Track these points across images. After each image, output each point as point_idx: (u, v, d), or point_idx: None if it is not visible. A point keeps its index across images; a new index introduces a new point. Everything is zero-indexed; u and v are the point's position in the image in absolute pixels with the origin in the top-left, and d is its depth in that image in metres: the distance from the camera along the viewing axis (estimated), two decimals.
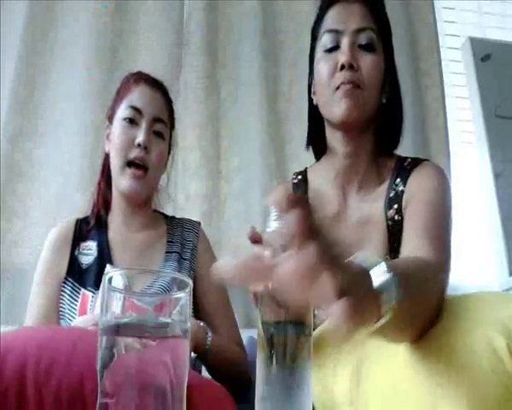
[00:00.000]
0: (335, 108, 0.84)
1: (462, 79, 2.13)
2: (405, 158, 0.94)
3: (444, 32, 2.10)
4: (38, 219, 1.46)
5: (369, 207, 0.87)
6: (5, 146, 1.48)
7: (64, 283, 0.99)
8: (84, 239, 1.04)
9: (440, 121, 1.87)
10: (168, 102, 1.10)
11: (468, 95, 2.10)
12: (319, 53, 0.89)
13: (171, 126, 1.12)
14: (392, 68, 0.92)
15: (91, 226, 1.05)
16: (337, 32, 0.86)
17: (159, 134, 1.03)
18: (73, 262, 1.01)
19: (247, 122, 1.70)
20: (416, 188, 0.83)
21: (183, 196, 1.57)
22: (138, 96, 1.03)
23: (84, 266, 1.00)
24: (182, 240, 1.09)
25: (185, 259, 1.06)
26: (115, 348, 0.41)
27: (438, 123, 1.87)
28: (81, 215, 1.12)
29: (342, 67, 0.83)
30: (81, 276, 0.98)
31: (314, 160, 1.06)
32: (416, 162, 0.91)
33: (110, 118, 1.07)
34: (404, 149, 1.78)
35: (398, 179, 0.87)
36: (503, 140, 2.00)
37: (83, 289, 0.95)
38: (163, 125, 1.05)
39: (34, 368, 0.56)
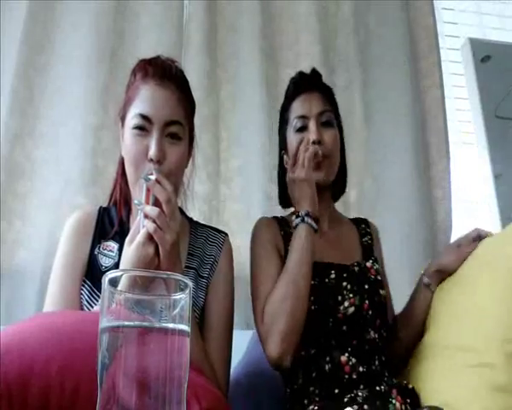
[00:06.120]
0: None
1: (461, 79, 2.13)
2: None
3: (443, 33, 2.10)
4: (38, 220, 1.46)
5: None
6: (5, 146, 1.48)
7: (82, 283, 0.95)
8: (106, 237, 0.99)
9: (440, 122, 1.87)
10: (183, 94, 0.97)
11: (467, 96, 2.11)
12: (291, 131, 1.14)
13: (191, 114, 1.03)
14: (342, 137, 1.20)
15: (115, 230, 1.00)
16: (304, 117, 1.12)
17: (174, 135, 0.93)
18: (92, 261, 0.96)
19: (246, 123, 1.69)
20: None
21: (183, 197, 1.57)
22: (146, 99, 0.93)
23: (103, 269, 0.95)
24: (202, 254, 1.03)
25: (203, 277, 1.01)
26: (115, 350, 0.41)
27: (437, 124, 1.87)
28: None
29: (313, 143, 1.08)
30: (99, 279, 0.92)
31: None
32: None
33: (122, 119, 0.98)
34: (404, 149, 1.80)
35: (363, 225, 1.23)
36: (503, 141, 2.00)
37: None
38: (178, 125, 0.94)
39: (58, 393, 0.55)
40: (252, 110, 1.69)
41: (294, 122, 1.13)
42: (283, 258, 1.05)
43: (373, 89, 1.86)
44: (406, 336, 1.09)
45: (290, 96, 1.18)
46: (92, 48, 1.61)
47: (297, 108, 1.14)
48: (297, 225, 1.02)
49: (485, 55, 2.08)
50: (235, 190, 1.64)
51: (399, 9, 1.95)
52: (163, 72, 0.95)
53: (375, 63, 1.90)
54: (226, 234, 1.09)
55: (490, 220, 1.93)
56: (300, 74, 1.21)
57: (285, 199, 1.19)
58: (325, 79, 1.77)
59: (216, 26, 1.78)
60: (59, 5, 1.67)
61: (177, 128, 0.94)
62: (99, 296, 0.92)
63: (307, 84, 1.18)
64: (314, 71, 1.22)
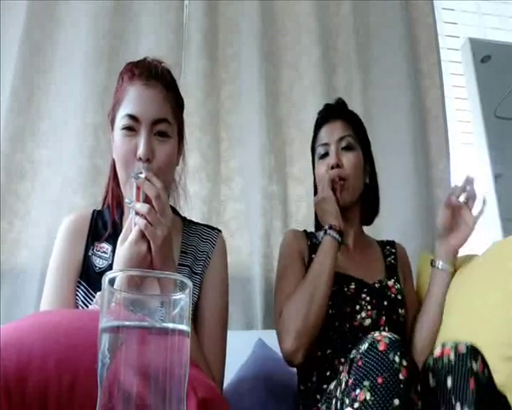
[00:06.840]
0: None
1: (461, 79, 2.14)
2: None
3: (443, 33, 2.11)
4: (39, 220, 1.46)
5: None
6: (5, 146, 1.48)
7: (78, 285, 0.96)
8: (100, 239, 1.00)
9: (440, 122, 1.88)
10: (169, 92, 0.98)
11: (467, 96, 2.11)
12: (316, 160, 1.24)
13: (180, 112, 1.03)
14: (370, 157, 1.27)
15: (109, 232, 1.01)
16: (326, 145, 1.21)
17: (162, 133, 0.94)
18: (87, 262, 0.97)
19: (246, 124, 1.70)
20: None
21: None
22: (134, 99, 0.94)
23: (97, 270, 0.96)
24: (195, 251, 1.03)
25: (196, 273, 1.01)
26: (115, 349, 0.41)
27: (437, 124, 1.87)
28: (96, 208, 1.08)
29: (332, 167, 1.17)
30: (94, 280, 0.95)
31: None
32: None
33: (112, 121, 0.99)
34: (404, 149, 1.79)
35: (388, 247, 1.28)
36: (503, 141, 2.00)
37: (96, 296, 0.91)
38: (166, 123, 0.94)
39: (56, 387, 0.56)
40: (252, 110, 1.69)
41: (318, 150, 1.23)
42: (307, 267, 1.13)
43: (373, 89, 1.86)
44: (419, 337, 1.10)
45: (317, 127, 1.27)
46: (92, 48, 1.62)
47: (321, 137, 1.24)
48: (322, 238, 1.11)
49: (485, 55, 2.08)
50: (235, 190, 1.64)
51: (399, 9, 1.96)
52: (149, 72, 0.96)
53: (375, 63, 1.90)
54: (220, 231, 1.09)
55: (490, 220, 1.93)
56: (326, 106, 1.30)
57: (318, 225, 1.27)
58: (325, 79, 1.79)
59: (216, 26, 1.78)
60: (59, 5, 1.67)
61: (165, 126, 0.95)
62: (94, 297, 0.92)
63: (331, 113, 1.26)
64: (338, 100, 1.30)
